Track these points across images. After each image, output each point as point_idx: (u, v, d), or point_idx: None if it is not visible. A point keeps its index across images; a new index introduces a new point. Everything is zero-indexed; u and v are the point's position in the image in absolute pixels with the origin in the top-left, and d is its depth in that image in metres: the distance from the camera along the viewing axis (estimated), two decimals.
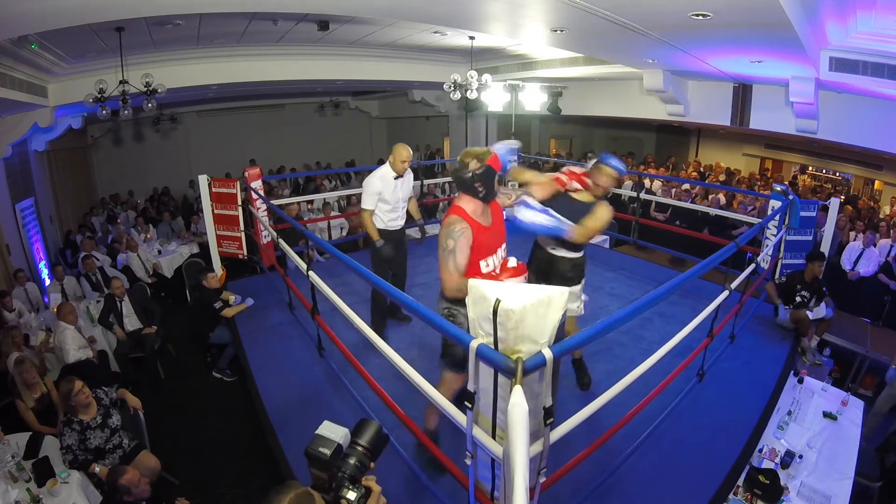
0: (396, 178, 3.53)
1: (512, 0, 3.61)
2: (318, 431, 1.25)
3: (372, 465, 1.27)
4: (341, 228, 7.40)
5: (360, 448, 1.25)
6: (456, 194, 2.29)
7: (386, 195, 3.51)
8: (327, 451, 1.20)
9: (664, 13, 3.36)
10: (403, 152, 3.48)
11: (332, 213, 7.37)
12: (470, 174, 2.14)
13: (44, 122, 5.82)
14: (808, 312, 3.87)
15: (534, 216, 2.46)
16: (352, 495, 1.19)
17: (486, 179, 2.15)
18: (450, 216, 2.16)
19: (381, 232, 3.57)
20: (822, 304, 4.03)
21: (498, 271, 2.20)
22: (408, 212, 3.80)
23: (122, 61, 5.01)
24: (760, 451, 2.78)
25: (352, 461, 1.24)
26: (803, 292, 4.03)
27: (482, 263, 2.16)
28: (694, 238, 5.76)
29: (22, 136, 5.85)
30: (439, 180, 8.74)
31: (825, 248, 4.63)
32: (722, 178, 9.00)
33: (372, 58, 7.26)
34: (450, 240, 2.07)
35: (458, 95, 6.91)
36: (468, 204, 2.18)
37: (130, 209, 9.46)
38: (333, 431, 1.25)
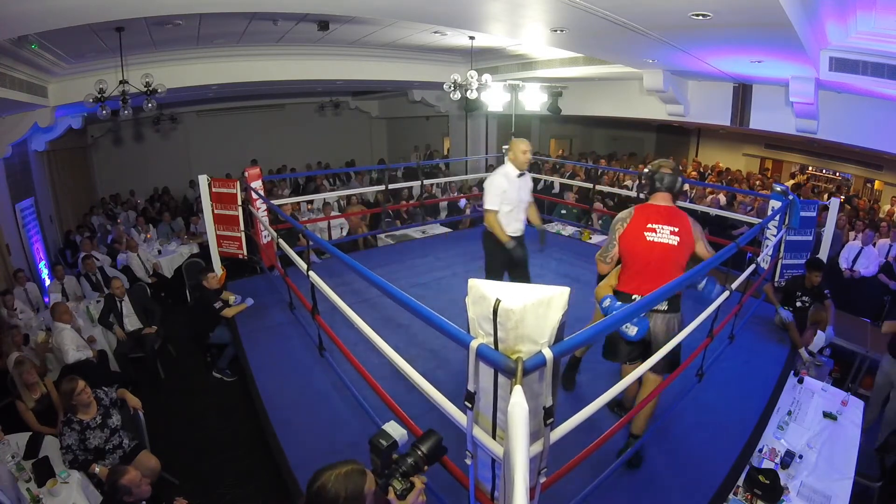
0: (519, 175, 3.40)
1: (512, 0, 3.61)
2: (383, 427, 1.52)
3: (426, 468, 1.48)
4: (341, 228, 7.40)
5: (419, 452, 1.47)
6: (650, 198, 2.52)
7: (510, 195, 3.35)
8: (384, 443, 1.46)
9: (664, 13, 3.36)
10: (522, 144, 3.36)
11: (332, 213, 7.37)
12: (682, 180, 2.48)
13: (44, 122, 5.82)
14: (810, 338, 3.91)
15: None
16: (398, 485, 1.42)
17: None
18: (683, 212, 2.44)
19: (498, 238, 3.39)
20: (821, 333, 4.00)
21: None
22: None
23: (122, 61, 5.01)
24: (760, 451, 2.77)
25: (409, 460, 1.46)
26: (804, 297, 4.03)
27: None
28: None
29: (22, 136, 5.85)
30: (441, 180, 8.75)
31: (825, 247, 4.62)
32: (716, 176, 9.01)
33: (372, 58, 7.27)
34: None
35: (458, 95, 6.91)
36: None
37: (130, 209, 9.46)
38: (395, 430, 1.51)
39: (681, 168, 9.90)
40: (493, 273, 3.55)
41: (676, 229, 2.36)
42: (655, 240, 2.36)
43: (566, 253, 5.82)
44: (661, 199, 2.45)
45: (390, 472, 1.43)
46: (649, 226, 2.37)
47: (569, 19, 3.85)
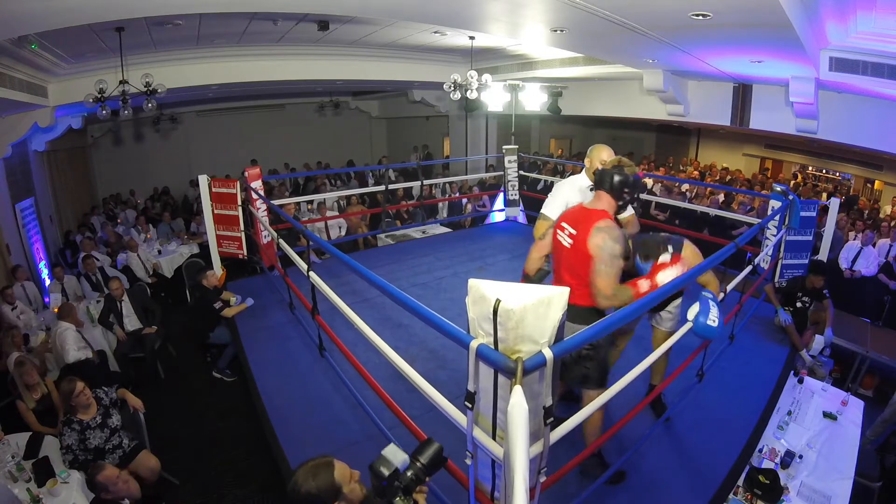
0: (593, 189, 2.75)
1: (512, 0, 3.61)
2: (383, 452, 1.40)
3: (427, 479, 1.41)
4: (339, 228, 7.40)
5: (418, 464, 1.39)
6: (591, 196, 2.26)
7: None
8: (386, 472, 1.36)
9: (664, 13, 3.36)
10: (604, 152, 2.72)
11: (330, 214, 7.37)
12: (619, 175, 2.15)
13: (44, 122, 5.82)
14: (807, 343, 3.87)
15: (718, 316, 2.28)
16: (401, 503, 1.36)
17: (635, 190, 2.19)
18: (604, 220, 2.10)
19: None
20: (819, 337, 3.94)
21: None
22: None
23: (122, 61, 5.01)
24: (760, 451, 2.78)
25: (409, 474, 1.38)
26: (804, 298, 4.03)
27: None
28: (694, 238, 5.74)
29: (22, 136, 5.85)
30: (440, 180, 8.75)
31: (825, 247, 4.62)
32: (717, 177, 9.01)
33: (372, 58, 7.27)
34: (619, 246, 2.05)
35: (458, 95, 6.91)
36: (610, 209, 2.18)
37: (130, 209, 9.47)
38: (395, 455, 1.40)
39: (636, 166, 9.87)
40: None
41: (575, 232, 2.16)
42: (559, 239, 2.24)
43: None
44: (595, 199, 2.25)
45: (392, 492, 1.38)
46: (561, 224, 2.25)
47: (569, 19, 3.85)
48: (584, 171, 2.86)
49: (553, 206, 2.81)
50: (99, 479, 2.39)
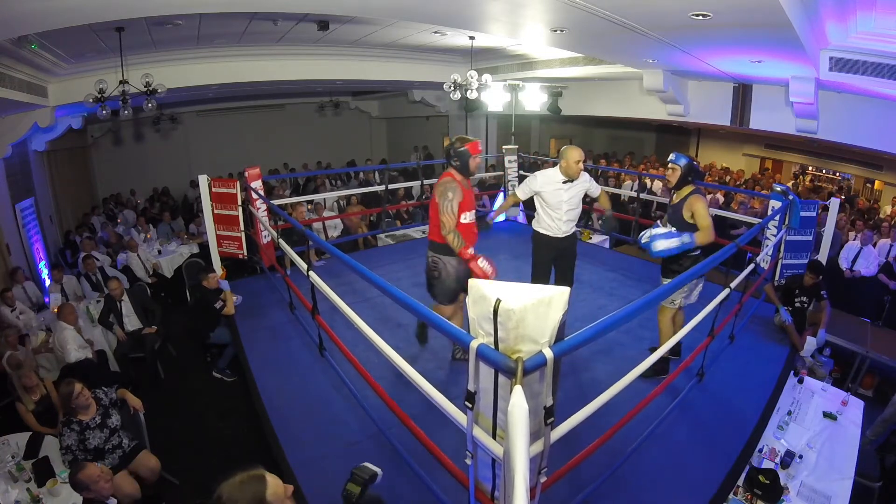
0: (565, 181, 3.36)
1: (512, 0, 3.61)
2: (364, 465, 1.71)
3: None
4: (334, 227, 7.39)
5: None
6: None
7: (547, 196, 3.39)
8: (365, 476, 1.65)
9: (664, 13, 3.36)
10: (576, 153, 3.28)
11: (329, 214, 7.35)
12: (451, 149, 2.99)
13: (44, 122, 5.82)
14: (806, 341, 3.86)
15: (667, 244, 2.92)
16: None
17: (461, 157, 2.99)
18: (444, 178, 3.01)
19: (540, 236, 3.52)
20: (811, 339, 3.93)
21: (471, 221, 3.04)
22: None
23: (122, 61, 5.01)
24: (760, 451, 2.77)
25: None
26: (802, 297, 4.02)
27: (464, 215, 2.98)
28: None
29: (22, 136, 5.85)
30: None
31: (825, 247, 4.62)
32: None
33: (372, 58, 7.27)
34: (449, 192, 2.90)
35: (458, 95, 6.91)
36: (455, 173, 3.04)
37: (130, 209, 9.46)
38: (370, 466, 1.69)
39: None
40: (537, 270, 3.64)
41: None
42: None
43: None
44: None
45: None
46: None
47: (569, 19, 3.85)
48: (557, 167, 3.41)
49: (521, 188, 3.57)
50: (80, 477, 2.34)
